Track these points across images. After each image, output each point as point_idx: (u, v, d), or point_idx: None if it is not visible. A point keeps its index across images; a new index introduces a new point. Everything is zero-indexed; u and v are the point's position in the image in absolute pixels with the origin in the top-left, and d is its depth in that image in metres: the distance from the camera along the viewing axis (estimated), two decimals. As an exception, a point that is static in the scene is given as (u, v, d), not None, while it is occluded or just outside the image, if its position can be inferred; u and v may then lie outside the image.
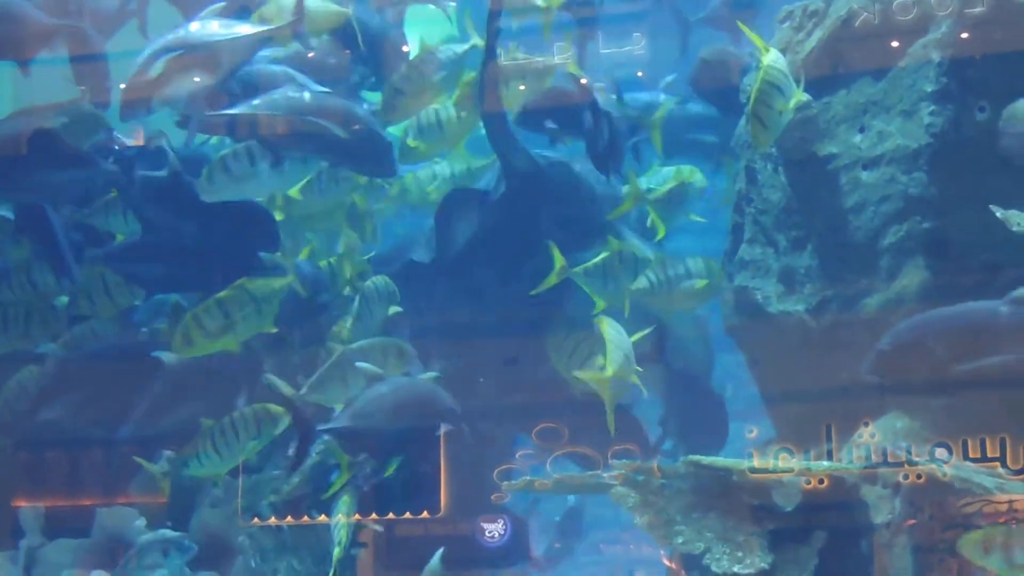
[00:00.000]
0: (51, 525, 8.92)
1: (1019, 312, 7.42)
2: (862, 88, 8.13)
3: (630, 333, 8.22)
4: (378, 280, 9.15)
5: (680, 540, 7.68)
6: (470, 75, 9.12)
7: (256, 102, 8.34)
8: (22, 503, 9.00)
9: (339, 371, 8.34)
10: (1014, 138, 7.58)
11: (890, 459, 7.49)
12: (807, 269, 8.38)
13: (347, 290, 9.27)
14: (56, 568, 8.69)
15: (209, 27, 8.39)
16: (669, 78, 9.75)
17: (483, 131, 9.16)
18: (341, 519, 8.33)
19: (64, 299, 9.31)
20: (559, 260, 8.59)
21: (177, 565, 8.57)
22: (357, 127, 8.45)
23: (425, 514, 8.62)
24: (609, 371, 7.99)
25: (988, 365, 7.43)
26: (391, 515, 8.75)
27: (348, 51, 9.36)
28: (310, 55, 9.09)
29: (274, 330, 8.62)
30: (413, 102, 9.12)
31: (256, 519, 8.84)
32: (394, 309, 9.19)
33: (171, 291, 9.37)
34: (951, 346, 7.52)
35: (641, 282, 8.72)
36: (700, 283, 8.81)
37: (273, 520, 8.81)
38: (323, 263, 9.37)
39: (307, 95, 8.42)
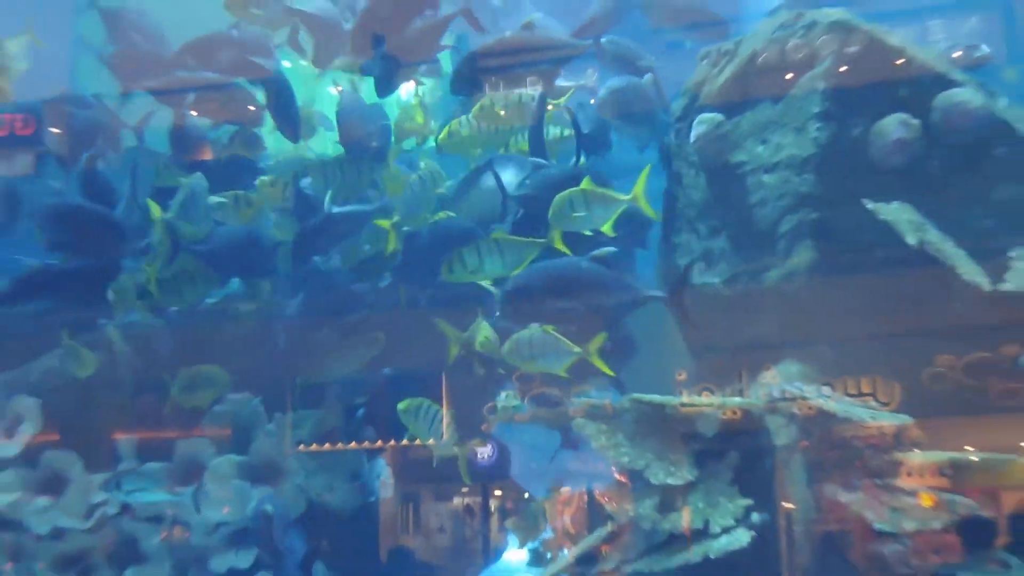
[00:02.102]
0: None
1: (594, 266, 8.32)
2: (763, 110, 8.64)
3: None
4: (420, 174, 9.08)
5: (626, 459, 8.13)
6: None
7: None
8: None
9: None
10: (880, 148, 8.24)
11: (787, 396, 7.98)
12: (722, 251, 8.85)
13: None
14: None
15: None
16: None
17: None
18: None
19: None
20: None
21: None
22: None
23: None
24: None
25: (572, 305, 8.32)
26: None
27: None
28: None
29: None
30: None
31: (301, 446, 9.21)
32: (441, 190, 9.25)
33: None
34: (549, 291, 8.37)
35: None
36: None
37: (315, 446, 9.20)
38: None
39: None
